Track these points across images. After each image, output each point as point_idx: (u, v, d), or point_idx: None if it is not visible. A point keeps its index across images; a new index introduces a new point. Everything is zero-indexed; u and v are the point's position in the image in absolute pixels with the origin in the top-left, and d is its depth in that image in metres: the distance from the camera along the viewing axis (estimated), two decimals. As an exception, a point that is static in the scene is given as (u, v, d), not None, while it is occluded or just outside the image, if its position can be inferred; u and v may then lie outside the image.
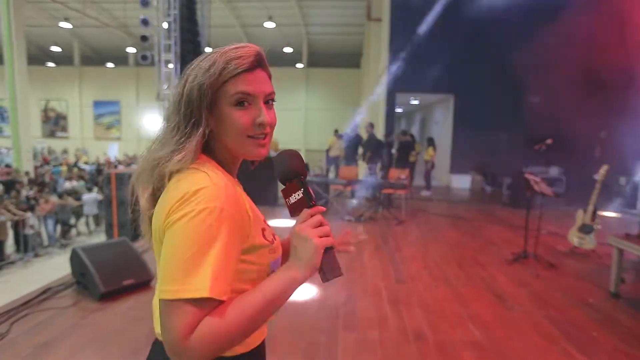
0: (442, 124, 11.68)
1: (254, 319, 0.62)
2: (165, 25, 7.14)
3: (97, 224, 11.14)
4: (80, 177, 13.31)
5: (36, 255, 8.56)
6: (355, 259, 4.09)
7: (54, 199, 9.04)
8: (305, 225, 0.67)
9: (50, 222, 8.92)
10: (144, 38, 7.36)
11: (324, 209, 0.70)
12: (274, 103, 0.75)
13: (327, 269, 0.66)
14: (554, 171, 9.69)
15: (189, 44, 7.69)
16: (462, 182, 10.34)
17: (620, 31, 8.26)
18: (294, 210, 0.70)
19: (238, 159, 0.77)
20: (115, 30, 18.95)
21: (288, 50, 20.72)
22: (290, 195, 0.71)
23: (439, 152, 9.85)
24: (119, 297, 2.92)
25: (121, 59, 23.15)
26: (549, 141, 3.81)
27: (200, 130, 0.69)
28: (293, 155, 0.73)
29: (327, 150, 11.13)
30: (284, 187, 0.72)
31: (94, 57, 24.72)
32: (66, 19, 17.68)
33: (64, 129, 25.27)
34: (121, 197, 8.08)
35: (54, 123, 25.48)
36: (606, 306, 3.00)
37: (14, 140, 14.64)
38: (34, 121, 24.71)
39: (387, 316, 2.82)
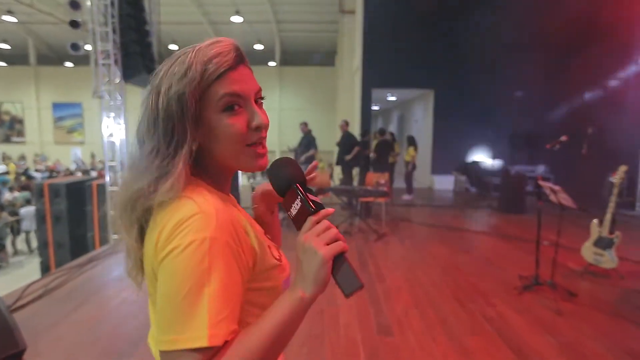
0: (421, 121, 10.97)
1: (268, 351, 0.53)
2: (100, 8, 6.03)
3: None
4: (25, 188, 11.86)
5: (-43, 283, 7.26)
6: (325, 293, 3.19)
7: (-22, 215, 7.73)
8: (308, 234, 0.56)
9: (-26, 243, 7.62)
10: (74, 24, 6.20)
11: (330, 211, 0.59)
12: (262, 101, 0.65)
13: (342, 282, 0.55)
14: (541, 170, 9.12)
15: (132, 32, 6.59)
16: (445, 184, 9.64)
17: (611, 20, 7.73)
18: (298, 222, 0.60)
19: (232, 173, 0.67)
20: (72, 26, 17.45)
21: (259, 47, 19.79)
22: (291, 207, 0.61)
23: (419, 151, 9.11)
24: (-41, 388, 1.90)
25: (81, 58, 21.60)
26: (564, 138, 3.05)
27: (185, 148, 0.58)
28: (283, 163, 0.64)
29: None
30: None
31: (52, 56, 23.03)
32: (9, 12, 16.09)
33: (20, 133, 23.55)
34: (57, 212, 6.91)
35: (9, 127, 23.74)
36: (663, 361, 2.22)
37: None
38: (-15, 125, 22.90)
39: (367, 397, 1.93)
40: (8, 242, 9.25)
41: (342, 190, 5.06)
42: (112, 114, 6.43)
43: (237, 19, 16.43)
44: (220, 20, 18.59)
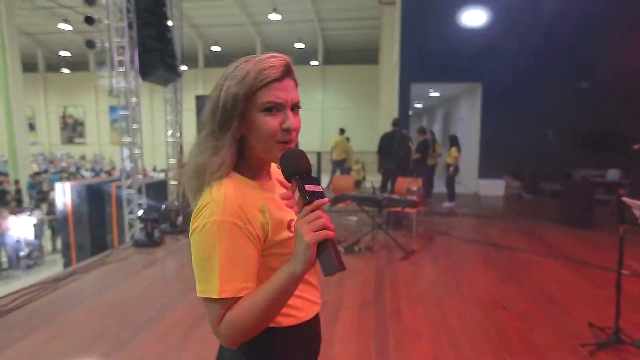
0: (468, 119, 9.83)
1: (266, 312, 0.69)
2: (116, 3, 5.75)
3: (76, 240, 9.98)
4: (69, 187, 12.27)
5: (-9, 280, 7.45)
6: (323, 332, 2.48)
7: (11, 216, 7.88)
8: (301, 221, 0.69)
9: (8, 242, 7.77)
10: (88, 20, 6.00)
11: (324, 201, 0.70)
12: (299, 109, 0.80)
13: (323, 264, 0.67)
14: (613, 175, 7.70)
15: (151, 28, 6.29)
16: (494, 189, 8.48)
17: None
18: (299, 208, 0.72)
19: (267, 163, 0.83)
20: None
21: (300, 46, 19.46)
22: (294, 194, 0.73)
23: (465, 152, 8.06)
24: None
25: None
26: (662, 134, 2.11)
27: (229, 135, 0.75)
28: (293, 154, 0.75)
29: (331, 153, 9.53)
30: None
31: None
32: (65, 21, 17.04)
33: (82, 135, 25.31)
34: (79, 214, 6.81)
35: (72, 129, 25.56)
36: None
37: (9, 147, 13.99)
38: (53, 128, 24.87)
39: None
40: (47, 240, 9.50)
41: (363, 199, 4.32)
42: (127, 114, 6.16)
43: (275, 16, 16.11)
44: (261, 20, 18.47)
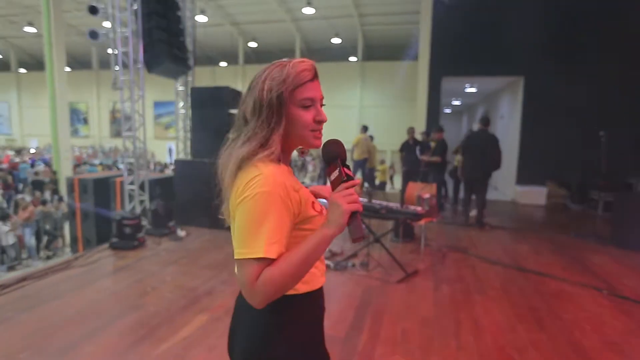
0: (508, 117, 8.78)
1: (300, 266, 0.82)
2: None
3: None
4: (100, 179, 12.59)
5: (10, 269, 7.62)
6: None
7: (31, 207, 8.04)
8: (338, 194, 0.85)
9: (27, 232, 7.93)
10: (92, 9, 5.83)
11: (357, 182, 0.87)
12: (324, 105, 0.98)
13: (352, 229, 0.84)
14: (684, 185, 6.44)
15: (157, 18, 6.02)
16: (534, 197, 7.44)
17: None
18: (334, 185, 0.90)
19: (292, 150, 0.99)
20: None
21: (336, 41, 18.87)
22: (331, 174, 0.91)
23: (503, 154, 7.09)
24: None
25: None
26: None
27: (282, 127, 0.91)
28: (334, 142, 0.94)
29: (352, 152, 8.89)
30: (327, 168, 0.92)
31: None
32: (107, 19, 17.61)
33: (129, 129, 26.37)
34: (85, 208, 6.74)
35: (120, 124, 26.72)
36: None
37: (53, 140, 14.67)
38: (104, 122, 26.20)
39: None
40: (67, 232, 9.68)
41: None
42: (130, 107, 5.94)
43: (309, 10, 15.64)
44: (300, 16, 18.12)
